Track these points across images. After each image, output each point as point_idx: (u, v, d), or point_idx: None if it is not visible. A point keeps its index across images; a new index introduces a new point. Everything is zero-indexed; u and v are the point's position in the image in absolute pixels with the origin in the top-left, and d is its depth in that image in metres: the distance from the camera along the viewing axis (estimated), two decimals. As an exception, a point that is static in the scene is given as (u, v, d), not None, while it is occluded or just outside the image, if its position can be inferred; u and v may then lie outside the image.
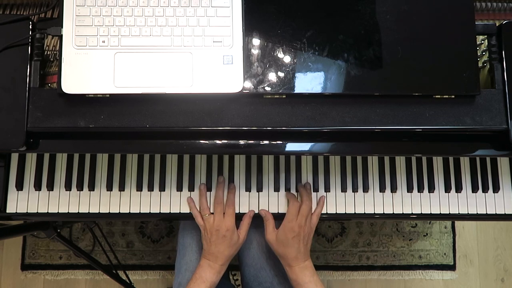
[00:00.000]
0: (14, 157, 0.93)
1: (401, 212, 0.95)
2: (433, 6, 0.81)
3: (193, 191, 0.94)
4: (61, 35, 0.78)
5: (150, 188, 0.94)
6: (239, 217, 0.94)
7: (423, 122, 0.80)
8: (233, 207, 0.92)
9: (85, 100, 0.79)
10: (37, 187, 0.92)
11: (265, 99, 0.80)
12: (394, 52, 0.80)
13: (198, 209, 0.93)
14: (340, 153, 0.92)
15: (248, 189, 0.95)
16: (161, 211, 0.94)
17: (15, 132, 0.78)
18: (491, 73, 0.84)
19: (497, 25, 0.84)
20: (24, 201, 0.92)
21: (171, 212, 0.94)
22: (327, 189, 0.95)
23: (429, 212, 0.95)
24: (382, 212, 0.95)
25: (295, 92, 0.79)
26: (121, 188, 0.93)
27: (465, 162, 0.96)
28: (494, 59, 0.84)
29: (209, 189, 0.94)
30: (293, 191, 0.95)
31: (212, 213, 0.92)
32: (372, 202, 0.95)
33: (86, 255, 1.34)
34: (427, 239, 1.67)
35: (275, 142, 0.84)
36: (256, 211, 0.95)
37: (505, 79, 0.82)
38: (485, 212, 0.95)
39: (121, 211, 0.94)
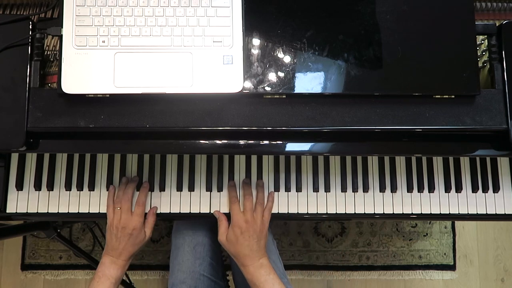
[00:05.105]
0: (14, 157, 0.93)
1: (401, 212, 0.95)
2: (433, 6, 0.81)
3: (193, 191, 0.94)
4: (61, 35, 0.78)
5: (150, 188, 0.94)
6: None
7: (423, 122, 0.80)
8: (143, 207, 0.90)
9: (85, 100, 0.79)
10: (37, 187, 0.92)
11: (265, 99, 0.80)
12: (394, 52, 0.80)
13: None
14: (340, 153, 0.92)
15: (248, 189, 0.95)
16: (161, 211, 0.94)
17: (15, 132, 0.78)
18: (491, 73, 0.84)
19: (497, 25, 0.84)
20: (24, 201, 0.92)
21: (171, 212, 0.94)
22: (327, 189, 0.95)
23: (429, 212, 0.95)
24: (382, 212, 0.95)
25: (295, 92, 0.79)
26: (121, 188, 0.93)
27: (465, 162, 0.96)
28: (494, 59, 0.84)
29: (209, 189, 0.94)
30: (293, 191, 0.95)
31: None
32: (372, 202, 0.95)
33: (86, 255, 1.34)
34: (427, 239, 1.67)
35: (275, 142, 0.84)
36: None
37: (505, 79, 0.82)
38: (485, 212, 0.95)
39: (121, 211, 0.93)
